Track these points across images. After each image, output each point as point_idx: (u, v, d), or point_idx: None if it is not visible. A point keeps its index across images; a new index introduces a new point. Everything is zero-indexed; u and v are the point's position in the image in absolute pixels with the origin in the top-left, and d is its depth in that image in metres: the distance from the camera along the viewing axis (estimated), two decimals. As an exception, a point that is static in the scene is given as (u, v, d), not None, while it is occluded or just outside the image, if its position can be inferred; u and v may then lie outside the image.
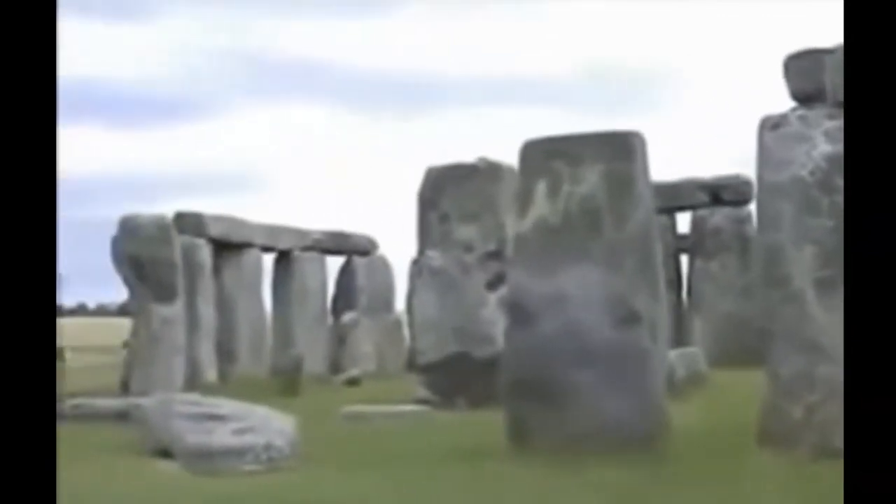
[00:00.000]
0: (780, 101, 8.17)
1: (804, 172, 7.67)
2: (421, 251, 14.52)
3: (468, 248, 13.94)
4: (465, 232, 13.99)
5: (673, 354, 12.90)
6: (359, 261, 23.29)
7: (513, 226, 9.20)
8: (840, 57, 6.99)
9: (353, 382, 18.12)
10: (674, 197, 20.50)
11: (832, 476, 6.00)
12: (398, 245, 32.41)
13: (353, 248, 23.34)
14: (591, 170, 8.55)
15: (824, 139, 7.65)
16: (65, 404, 13.17)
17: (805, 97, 7.96)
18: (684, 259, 21.46)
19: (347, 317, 21.98)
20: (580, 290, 8.43)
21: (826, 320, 7.40)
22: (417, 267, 15.07)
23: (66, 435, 10.98)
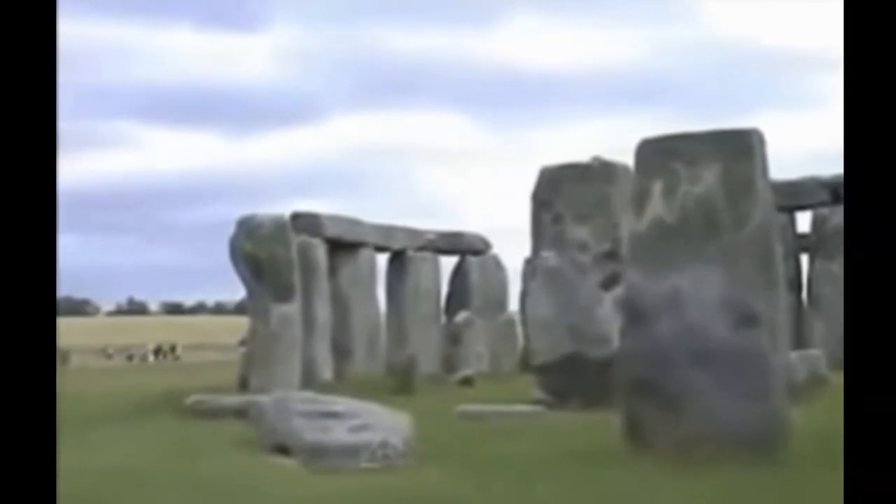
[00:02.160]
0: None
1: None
2: (535, 251, 14.47)
3: (582, 247, 13.85)
4: (580, 232, 13.90)
5: (793, 356, 12.66)
6: (472, 260, 23.32)
7: (628, 225, 9.11)
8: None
9: (466, 382, 18.16)
10: (794, 195, 20.14)
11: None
12: (511, 245, 32.49)
13: (467, 247, 23.38)
14: (709, 169, 8.43)
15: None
16: (185, 400, 13.47)
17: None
18: (804, 258, 21.05)
19: (461, 316, 22.03)
20: (697, 290, 8.31)
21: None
22: (531, 267, 15.03)
23: (187, 430, 11.28)
